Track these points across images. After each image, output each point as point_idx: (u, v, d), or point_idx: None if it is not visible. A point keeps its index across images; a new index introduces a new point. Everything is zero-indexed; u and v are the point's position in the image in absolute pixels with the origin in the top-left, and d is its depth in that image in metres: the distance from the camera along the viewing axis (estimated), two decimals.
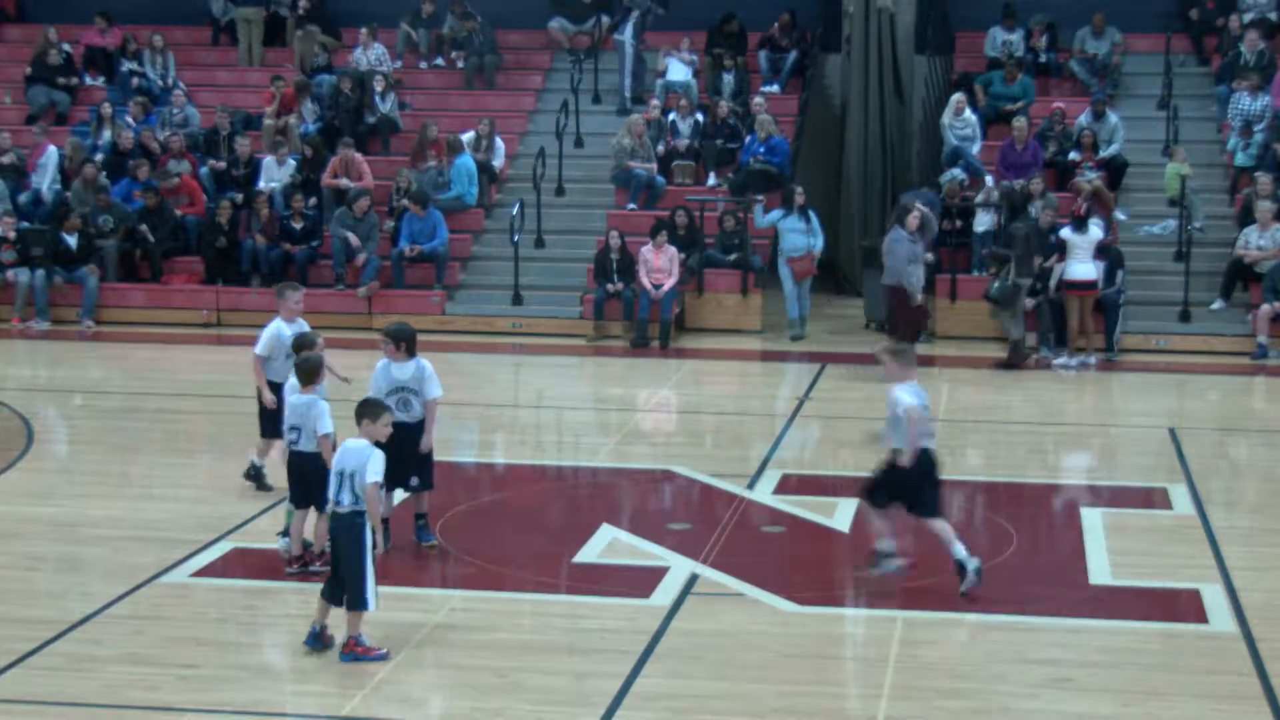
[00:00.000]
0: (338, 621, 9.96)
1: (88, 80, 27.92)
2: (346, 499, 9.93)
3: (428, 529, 12.20)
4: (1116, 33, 26.53)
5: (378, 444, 10.17)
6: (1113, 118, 24.40)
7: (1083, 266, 20.67)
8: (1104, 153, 24.01)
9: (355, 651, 9.82)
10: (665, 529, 12.92)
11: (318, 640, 9.94)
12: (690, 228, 23.06)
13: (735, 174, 24.43)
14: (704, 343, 22.27)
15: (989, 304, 21.10)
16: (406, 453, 11.87)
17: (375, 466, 9.93)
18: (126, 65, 27.62)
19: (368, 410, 10.31)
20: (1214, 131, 25.29)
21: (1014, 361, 20.52)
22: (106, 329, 22.92)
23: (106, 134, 25.70)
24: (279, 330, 13.31)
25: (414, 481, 12.07)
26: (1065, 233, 20.89)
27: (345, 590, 9.87)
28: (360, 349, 21.55)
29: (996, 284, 20.86)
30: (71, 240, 23.25)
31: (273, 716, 9.17)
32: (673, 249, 22.30)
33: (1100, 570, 11.87)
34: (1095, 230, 20.94)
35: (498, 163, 25.23)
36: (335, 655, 9.88)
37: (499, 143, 25.39)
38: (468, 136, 25.06)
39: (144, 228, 23.71)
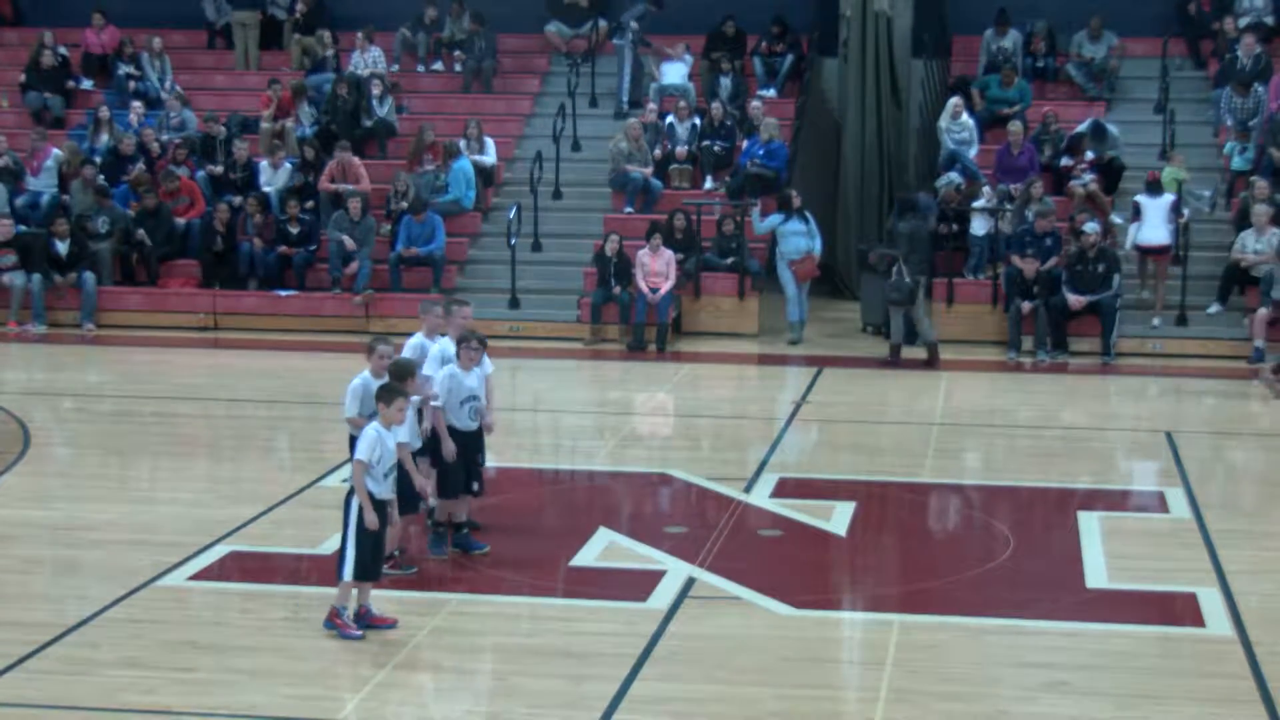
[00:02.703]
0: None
1: (84, 84, 27.91)
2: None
3: (443, 540, 12.14)
4: (1113, 36, 26.56)
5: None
6: (1112, 129, 24.35)
7: (1156, 231, 21.79)
8: (1091, 154, 23.97)
9: (335, 623, 10.22)
10: (662, 532, 12.92)
11: (359, 620, 10.32)
12: (687, 231, 23.07)
13: (732, 178, 24.44)
14: (701, 346, 22.26)
15: (890, 306, 21.30)
16: (470, 459, 11.97)
17: (362, 446, 10.23)
18: (123, 69, 27.61)
19: (382, 394, 10.48)
20: (1210, 135, 25.29)
21: (932, 361, 20.81)
22: (103, 332, 22.92)
23: (104, 137, 25.70)
24: (430, 347, 12.59)
25: (475, 487, 12.13)
26: (1139, 197, 22.06)
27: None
28: (357, 353, 21.60)
29: (890, 284, 21.16)
30: (62, 246, 23.22)
31: None
32: (669, 252, 22.30)
33: (1097, 574, 11.87)
34: (1169, 195, 21.86)
35: (488, 159, 25.20)
36: (335, 656, 9.90)
37: (489, 142, 25.38)
38: (463, 143, 25.08)
39: (141, 231, 23.71)
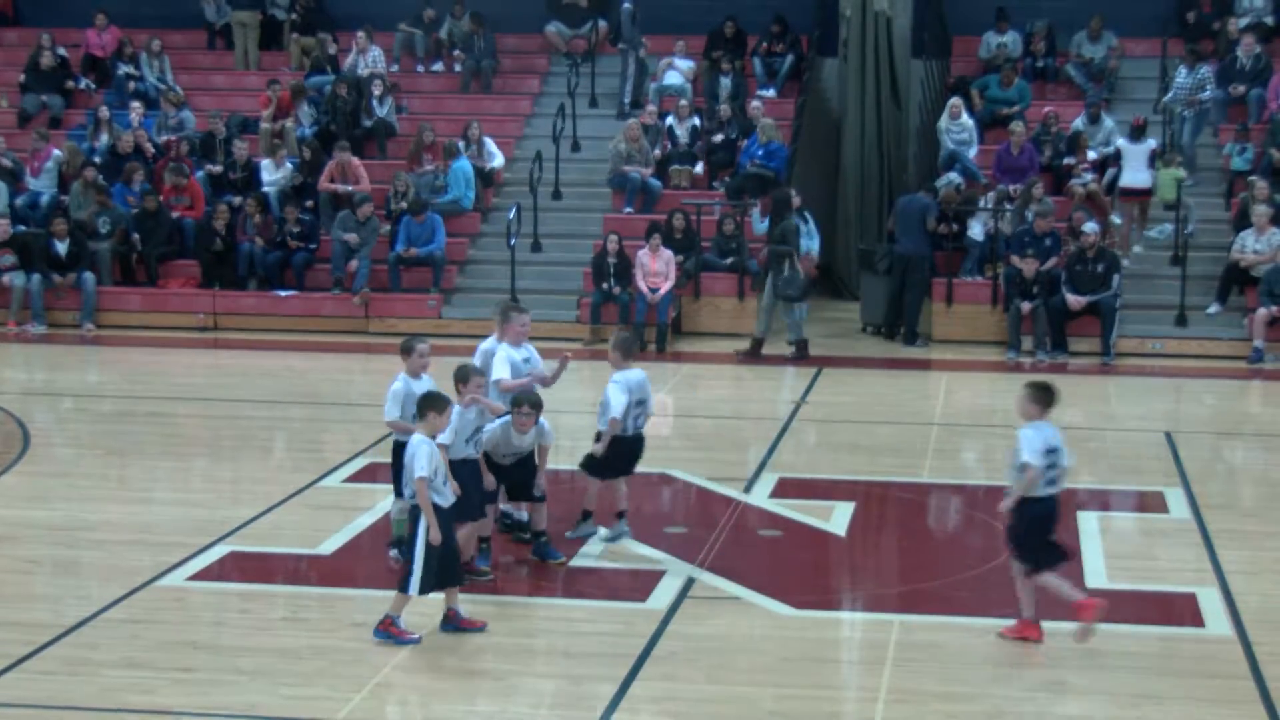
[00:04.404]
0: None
1: (84, 84, 27.90)
2: (408, 492, 10.39)
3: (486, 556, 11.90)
4: (1113, 37, 26.56)
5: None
6: (1108, 121, 24.44)
7: (1138, 175, 22.97)
8: (1094, 154, 24.00)
9: (390, 631, 10.20)
10: (662, 532, 12.92)
11: (448, 623, 10.41)
12: (687, 231, 23.06)
13: (732, 178, 24.44)
14: (700, 346, 22.26)
15: (781, 300, 21.43)
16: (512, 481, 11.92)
17: (419, 461, 10.18)
18: (123, 69, 27.61)
19: (432, 404, 10.49)
20: (1210, 135, 25.28)
21: (802, 354, 21.29)
22: (103, 333, 22.92)
23: (104, 138, 25.70)
24: (506, 354, 12.38)
25: (537, 494, 12.00)
26: (1121, 142, 23.28)
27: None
28: (357, 353, 21.63)
29: (785, 279, 21.27)
30: (61, 246, 23.22)
31: None
32: (669, 252, 22.30)
33: (1096, 573, 11.87)
34: (1150, 141, 23.18)
35: (491, 164, 25.19)
36: (334, 656, 9.91)
37: (489, 145, 25.35)
38: (462, 144, 25.06)
39: (136, 236, 23.67)
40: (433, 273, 23.20)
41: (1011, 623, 10.49)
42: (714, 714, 9.23)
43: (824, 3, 27.22)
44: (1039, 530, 10.26)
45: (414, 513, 10.30)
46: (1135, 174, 23.07)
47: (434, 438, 10.39)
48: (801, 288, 21.27)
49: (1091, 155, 23.94)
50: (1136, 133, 23.16)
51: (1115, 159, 23.28)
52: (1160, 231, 23.17)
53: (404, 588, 10.22)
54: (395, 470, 11.80)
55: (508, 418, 11.62)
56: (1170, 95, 24.68)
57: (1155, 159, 23.06)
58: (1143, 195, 23.11)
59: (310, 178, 24.62)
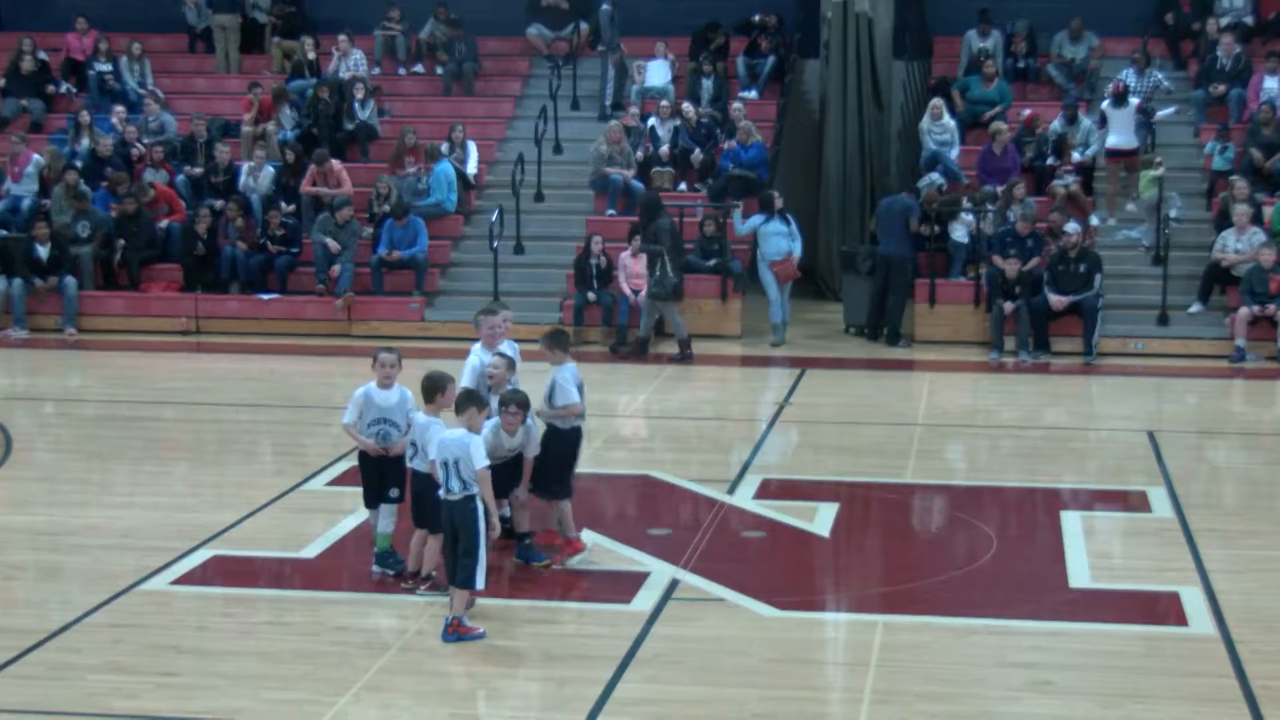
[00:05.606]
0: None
1: (64, 88, 27.82)
2: (456, 486, 10.32)
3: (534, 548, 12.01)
4: (1094, 37, 26.61)
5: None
6: (1085, 121, 24.48)
7: (1122, 136, 23.69)
8: (1078, 156, 24.05)
9: (459, 631, 10.23)
10: (645, 534, 12.92)
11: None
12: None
13: (714, 179, 24.43)
14: None
15: (654, 300, 21.67)
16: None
17: (480, 452, 10.29)
18: (99, 68, 27.51)
19: (473, 400, 10.63)
20: (1191, 135, 25.37)
21: (685, 356, 21.31)
22: (85, 337, 22.86)
23: (85, 142, 25.63)
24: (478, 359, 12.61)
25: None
26: (1105, 105, 24.07)
27: (456, 569, 10.27)
28: (340, 356, 21.59)
29: (656, 279, 21.56)
30: (43, 250, 23.17)
31: None
32: None
33: (1080, 573, 11.89)
34: (1133, 101, 23.87)
35: (471, 168, 25.17)
36: (318, 660, 9.89)
37: (471, 148, 25.31)
38: (446, 146, 25.03)
39: (121, 242, 23.61)
40: (415, 276, 23.17)
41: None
42: (699, 716, 9.23)
43: (805, 4, 27.24)
44: (570, 459, 12.03)
45: (466, 506, 10.25)
46: (1120, 135, 23.65)
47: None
48: (672, 288, 21.53)
49: (1076, 157, 23.98)
50: (1118, 100, 23.72)
51: (1101, 122, 23.91)
52: (1141, 232, 23.22)
53: (470, 584, 10.21)
54: (365, 479, 11.79)
55: (496, 420, 11.60)
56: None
57: (1141, 112, 23.91)
58: (1129, 155, 23.66)
59: (292, 181, 24.58)
